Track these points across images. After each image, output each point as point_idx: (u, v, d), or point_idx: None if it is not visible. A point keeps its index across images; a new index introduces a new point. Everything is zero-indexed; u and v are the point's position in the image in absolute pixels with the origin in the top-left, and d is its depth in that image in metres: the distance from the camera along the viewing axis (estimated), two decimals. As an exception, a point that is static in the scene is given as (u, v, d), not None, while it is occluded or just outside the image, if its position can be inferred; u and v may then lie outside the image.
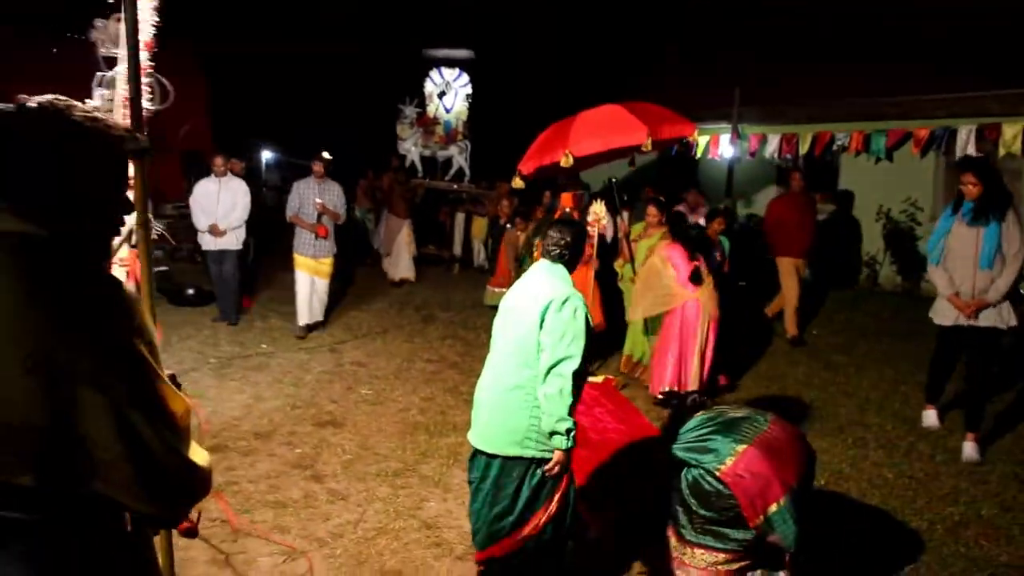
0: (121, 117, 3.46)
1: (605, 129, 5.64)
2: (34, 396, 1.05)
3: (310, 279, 6.55)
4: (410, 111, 12.89)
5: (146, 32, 3.29)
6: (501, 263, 7.81)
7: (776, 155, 9.39)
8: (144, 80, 3.26)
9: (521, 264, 6.53)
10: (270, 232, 8.61)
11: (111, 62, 3.57)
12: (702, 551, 2.37)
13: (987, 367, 4.23)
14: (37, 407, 1.06)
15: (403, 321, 7.43)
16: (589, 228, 5.51)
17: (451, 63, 13.32)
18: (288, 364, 5.79)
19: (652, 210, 5.90)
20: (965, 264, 4.12)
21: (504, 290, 7.29)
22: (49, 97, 1.20)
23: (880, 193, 8.59)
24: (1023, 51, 7.19)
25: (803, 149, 8.91)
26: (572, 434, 2.50)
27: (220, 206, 6.64)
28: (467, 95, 13.13)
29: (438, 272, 10.27)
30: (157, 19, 3.25)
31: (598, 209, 5.71)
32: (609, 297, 6.18)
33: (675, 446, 2.47)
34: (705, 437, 2.40)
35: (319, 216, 6.47)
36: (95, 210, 1.22)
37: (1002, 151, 7.22)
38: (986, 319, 4.11)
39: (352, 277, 9.14)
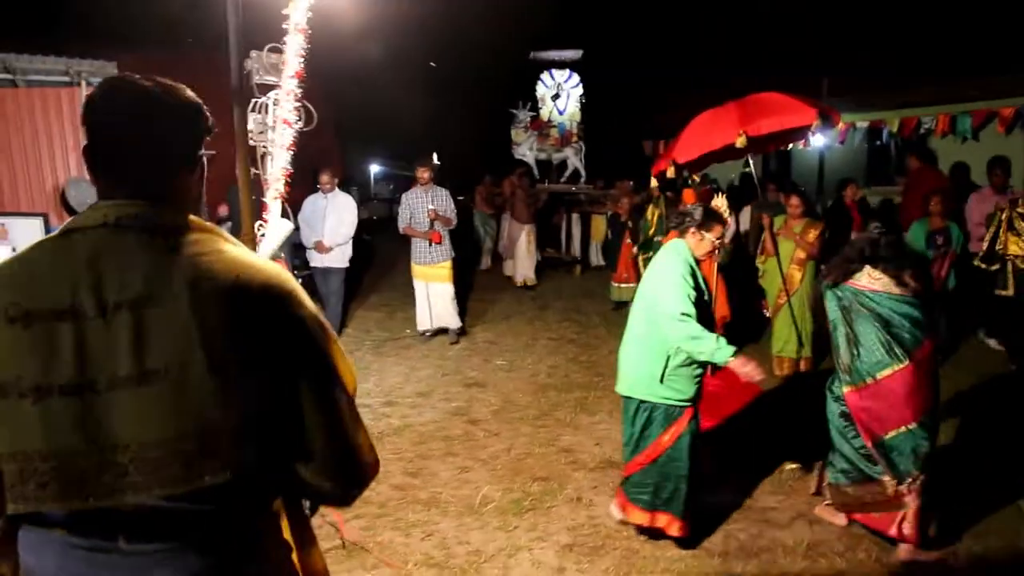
0: (270, 139, 4.40)
1: (775, 110, 5.89)
2: (226, 394, 1.08)
3: (425, 287, 7.14)
4: (524, 115, 14.19)
5: (296, 63, 4.09)
6: (623, 259, 8.69)
7: (866, 141, 9.88)
8: (294, 105, 4.17)
9: (647, 249, 7.25)
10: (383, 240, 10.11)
11: (263, 89, 4.37)
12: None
13: None
14: (230, 404, 1.08)
15: (523, 309, 8.71)
16: None
17: (561, 65, 14.55)
18: (432, 343, 7.18)
19: (795, 200, 6.27)
20: None
21: (629, 285, 8.29)
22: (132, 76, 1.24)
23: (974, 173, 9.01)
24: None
25: (893, 130, 9.51)
26: (722, 353, 3.14)
27: (327, 222, 6.97)
28: (579, 96, 14.30)
29: (559, 275, 11.31)
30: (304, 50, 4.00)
31: (720, 203, 6.26)
32: (737, 290, 6.72)
33: None
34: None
35: (431, 223, 6.96)
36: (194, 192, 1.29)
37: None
38: None
39: (471, 280, 10.51)
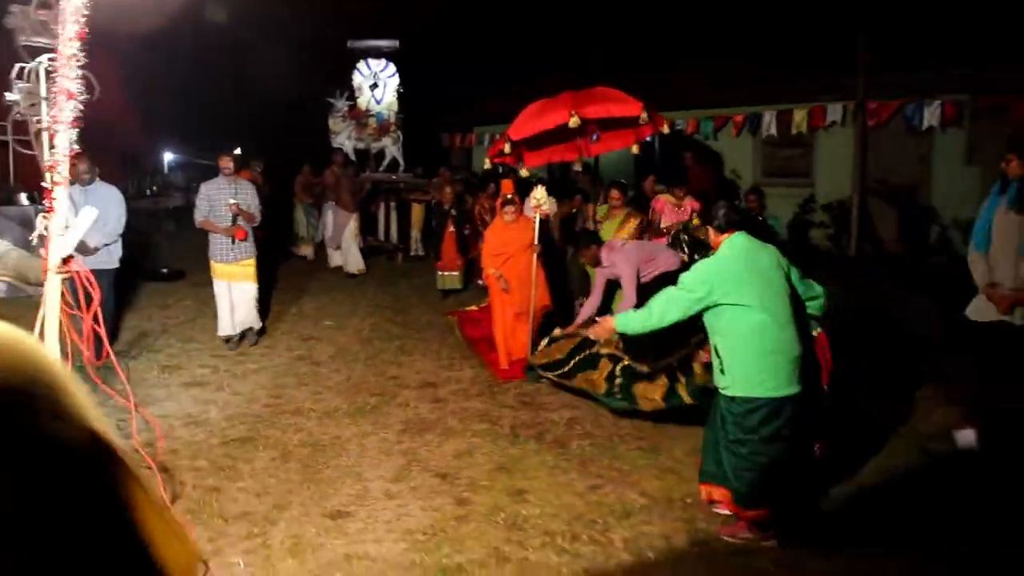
0: (46, 111, 4.16)
1: (605, 100, 7.11)
2: None
3: (227, 287, 7.44)
4: (341, 104, 15.91)
5: (75, 23, 3.78)
6: (447, 247, 10.12)
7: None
8: (78, 73, 3.91)
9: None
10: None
11: (33, 52, 4.09)
12: None
13: None
14: None
15: (346, 286, 10.70)
16: (532, 212, 7.16)
17: (378, 54, 16.48)
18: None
19: (614, 192, 7.63)
20: (1006, 252, 4.66)
21: (453, 273, 10.05)
22: None
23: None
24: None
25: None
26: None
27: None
28: (396, 86, 16.30)
29: (381, 261, 13.14)
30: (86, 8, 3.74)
31: (538, 194, 7.15)
32: (554, 279, 7.70)
33: None
34: None
35: (234, 218, 7.26)
36: None
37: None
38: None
39: (294, 267, 12.29)
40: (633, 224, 7.54)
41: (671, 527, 4.12)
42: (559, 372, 6.08)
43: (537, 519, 4.20)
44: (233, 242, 7.30)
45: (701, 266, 4.01)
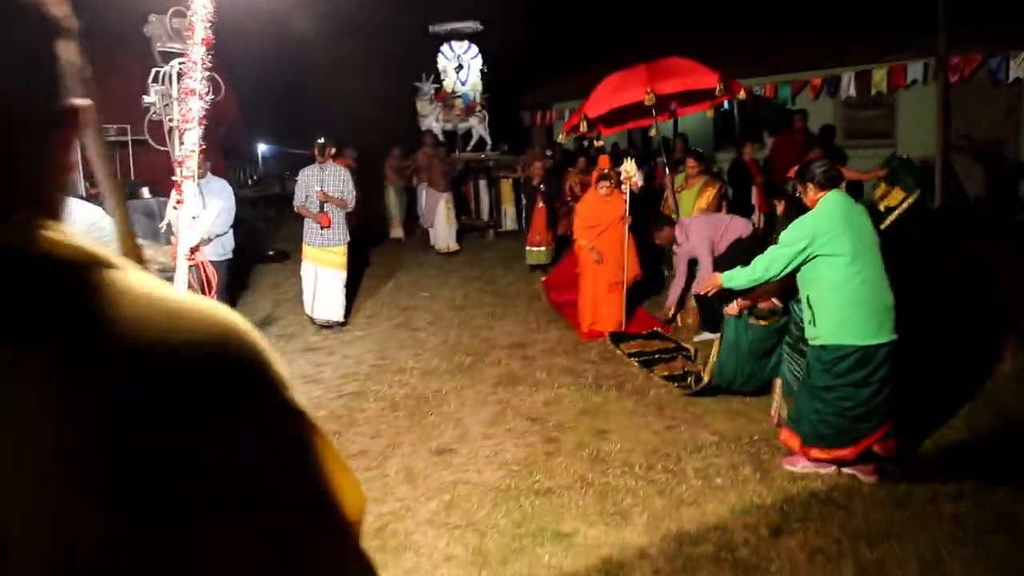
0: (177, 111, 4.64)
1: (681, 72, 7.28)
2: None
3: (314, 270, 7.70)
4: (428, 87, 16.70)
5: (203, 29, 4.24)
6: (537, 222, 10.50)
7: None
8: (204, 75, 4.38)
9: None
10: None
11: (166, 57, 4.56)
12: None
13: None
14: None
15: (437, 262, 11.45)
16: (621, 186, 7.38)
17: (460, 36, 17.17)
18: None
19: (691, 161, 7.82)
20: None
21: (541, 248, 10.46)
22: None
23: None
24: None
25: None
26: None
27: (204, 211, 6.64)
28: (480, 67, 16.95)
29: (474, 239, 13.75)
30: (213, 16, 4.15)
31: (628, 167, 7.36)
32: (645, 250, 7.92)
33: None
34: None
35: (322, 205, 7.60)
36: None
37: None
38: None
39: (386, 247, 13.16)
40: (711, 192, 7.77)
41: (738, 459, 4.62)
42: (641, 359, 6.57)
43: (617, 453, 4.79)
44: (322, 228, 7.65)
45: (801, 222, 4.28)
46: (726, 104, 8.99)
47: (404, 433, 5.29)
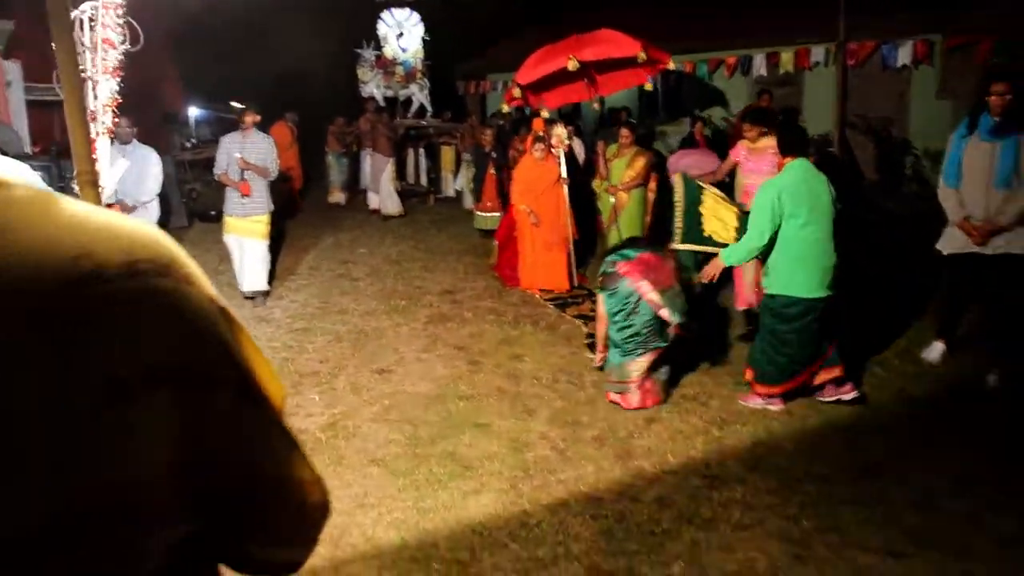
0: (90, 60, 4.38)
1: (604, 41, 7.72)
2: (82, 461, 0.67)
3: (239, 241, 7.66)
4: (369, 54, 17.28)
5: None
6: (488, 189, 10.73)
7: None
8: (118, 22, 4.23)
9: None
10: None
11: (77, 1, 4.28)
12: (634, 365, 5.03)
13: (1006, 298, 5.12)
14: (90, 477, 0.68)
15: (375, 223, 12.30)
16: (553, 150, 7.91)
17: (401, 3, 17.76)
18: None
19: (624, 132, 8.08)
20: (977, 184, 4.91)
21: (495, 214, 10.63)
22: None
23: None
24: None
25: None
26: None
27: (128, 177, 6.71)
28: (421, 34, 17.60)
29: (414, 204, 14.35)
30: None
31: (559, 132, 7.98)
32: (582, 212, 8.65)
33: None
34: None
35: (242, 173, 7.44)
36: None
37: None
38: (998, 245, 4.93)
39: (327, 212, 13.91)
40: (641, 162, 8.09)
41: (629, 376, 5.69)
42: (556, 303, 7.49)
43: (529, 371, 5.81)
44: (242, 196, 7.47)
45: (767, 185, 4.83)
46: (653, 80, 9.70)
47: (348, 359, 6.22)
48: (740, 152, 6.53)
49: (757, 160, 6.31)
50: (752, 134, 6.32)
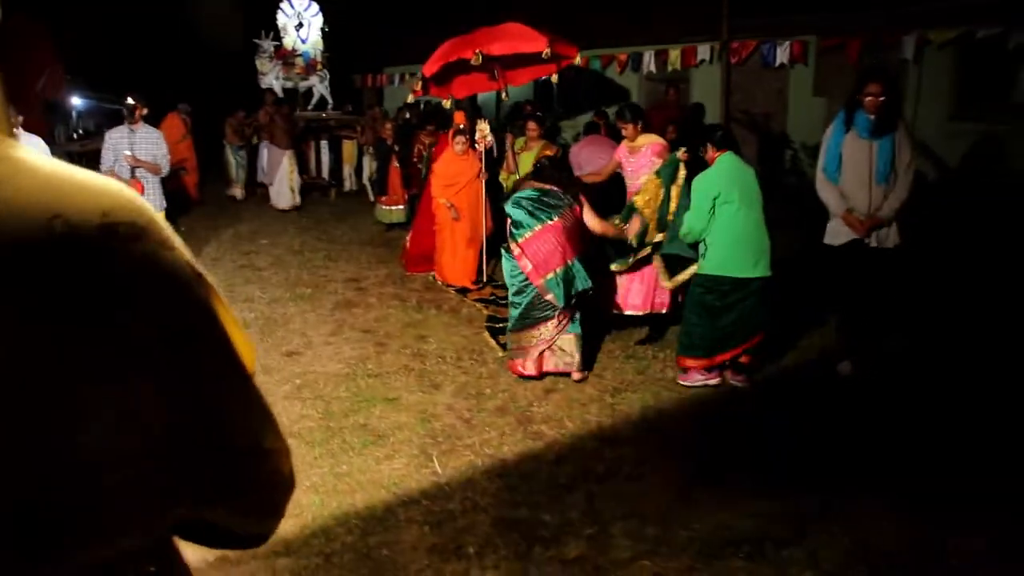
0: None
1: (511, 36, 7.86)
2: (54, 429, 0.68)
3: None
4: (268, 45, 17.06)
5: None
6: (392, 182, 10.86)
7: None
8: None
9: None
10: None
11: None
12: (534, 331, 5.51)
13: (882, 290, 5.28)
14: (64, 446, 0.69)
15: (279, 216, 12.35)
16: (476, 144, 7.88)
17: (299, -7, 17.67)
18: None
19: (532, 125, 8.28)
20: (860, 180, 5.09)
21: (399, 207, 10.79)
22: None
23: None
24: None
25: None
26: None
27: None
28: (320, 25, 17.51)
29: (315, 197, 14.47)
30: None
31: (482, 126, 7.86)
32: (497, 206, 8.03)
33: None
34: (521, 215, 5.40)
35: (132, 170, 7.15)
36: None
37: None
38: (878, 239, 5.12)
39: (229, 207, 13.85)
40: (548, 155, 8.20)
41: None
42: (457, 288, 7.83)
43: (434, 351, 6.13)
44: None
45: (702, 177, 5.16)
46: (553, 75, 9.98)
47: (257, 343, 6.36)
48: (622, 153, 6.53)
49: (637, 160, 6.35)
50: (629, 131, 6.28)
